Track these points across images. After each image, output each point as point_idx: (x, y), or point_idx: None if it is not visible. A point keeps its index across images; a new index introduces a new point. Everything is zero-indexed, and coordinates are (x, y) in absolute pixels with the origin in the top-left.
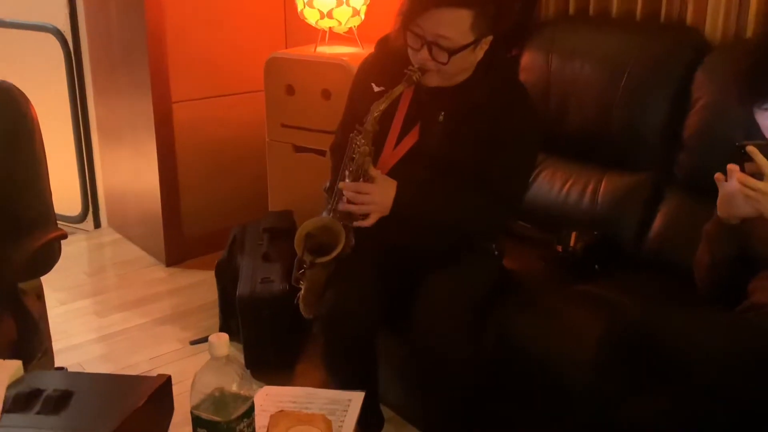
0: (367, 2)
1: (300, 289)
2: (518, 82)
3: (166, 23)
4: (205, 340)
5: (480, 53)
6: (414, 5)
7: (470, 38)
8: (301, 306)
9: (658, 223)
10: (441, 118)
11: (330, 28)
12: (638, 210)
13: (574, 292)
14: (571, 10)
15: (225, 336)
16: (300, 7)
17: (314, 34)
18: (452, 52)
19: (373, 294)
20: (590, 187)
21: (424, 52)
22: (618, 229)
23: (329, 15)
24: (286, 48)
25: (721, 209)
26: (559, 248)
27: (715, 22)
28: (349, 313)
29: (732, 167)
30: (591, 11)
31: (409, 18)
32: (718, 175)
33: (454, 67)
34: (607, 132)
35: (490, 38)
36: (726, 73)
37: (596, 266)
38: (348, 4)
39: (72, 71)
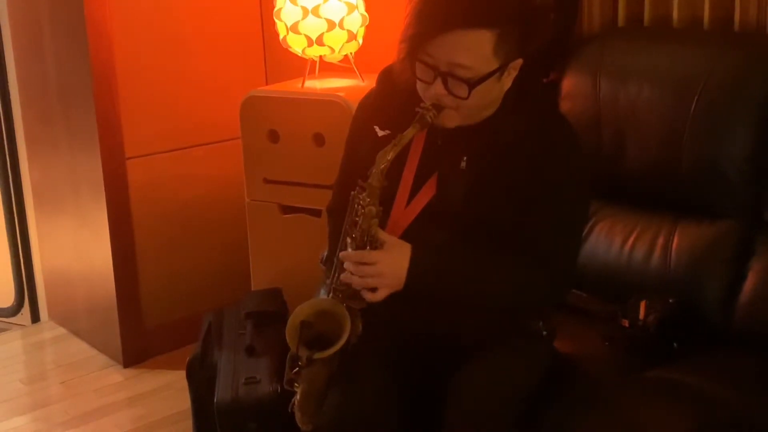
0: (366, 23)
1: (295, 392)
2: (559, 113)
3: (115, 60)
4: None
5: (508, 81)
6: (420, 29)
7: (494, 65)
8: (298, 415)
9: (749, 284)
10: (463, 164)
11: (321, 56)
12: (723, 269)
13: (648, 382)
14: (621, 19)
15: None
16: (282, 33)
17: (301, 66)
18: (473, 84)
19: (389, 397)
20: (660, 242)
21: (438, 86)
22: (699, 294)
23: (319, 41)
24: (267, 84)
25: None
26: (626, 322)
27: None
28: (359, 422)
29: None
30: (646, 20)
31: (416, 45)
32: None
33: (477, 101)
34: (676, 170)
35: (519, 62)
36: None
37: (674, 344)
38: (342, 27)
39: None
